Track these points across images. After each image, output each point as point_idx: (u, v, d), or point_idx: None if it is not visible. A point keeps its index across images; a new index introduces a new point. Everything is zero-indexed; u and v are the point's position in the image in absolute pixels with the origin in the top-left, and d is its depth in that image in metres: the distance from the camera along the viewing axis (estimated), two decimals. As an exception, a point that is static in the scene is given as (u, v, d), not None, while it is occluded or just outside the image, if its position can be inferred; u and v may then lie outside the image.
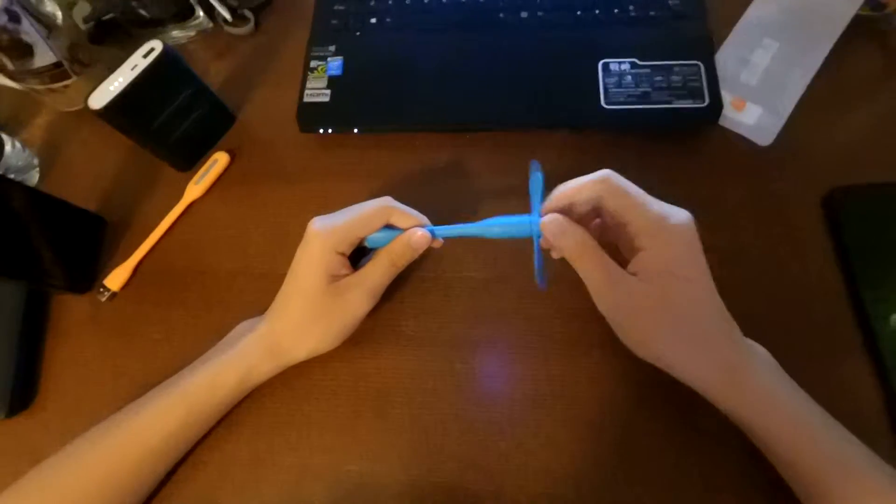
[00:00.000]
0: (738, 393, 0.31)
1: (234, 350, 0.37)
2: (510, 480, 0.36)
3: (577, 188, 0.32)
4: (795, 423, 0.30)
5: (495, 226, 0.34)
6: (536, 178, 0.33)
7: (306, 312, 0.36)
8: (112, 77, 0.39)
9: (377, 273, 0.36)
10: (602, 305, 0.32)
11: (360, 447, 0.38)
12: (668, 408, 0.36)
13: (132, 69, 0.39)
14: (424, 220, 0.36)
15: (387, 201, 0.36)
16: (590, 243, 0.32)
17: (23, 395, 0.41)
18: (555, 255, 0.34)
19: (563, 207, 0.32)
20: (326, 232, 0.35)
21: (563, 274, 0.40)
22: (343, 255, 0.36)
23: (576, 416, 0.37)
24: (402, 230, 0.36)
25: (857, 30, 0.44)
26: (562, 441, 0.37)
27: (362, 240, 0.37)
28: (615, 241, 0.35)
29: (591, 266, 0.32)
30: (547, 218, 0.32)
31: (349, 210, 0.36)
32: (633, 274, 0.31)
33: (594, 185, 0.31)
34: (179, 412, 0.36)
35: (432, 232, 0.36)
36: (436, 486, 0.36)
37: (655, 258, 0.30)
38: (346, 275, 0.36)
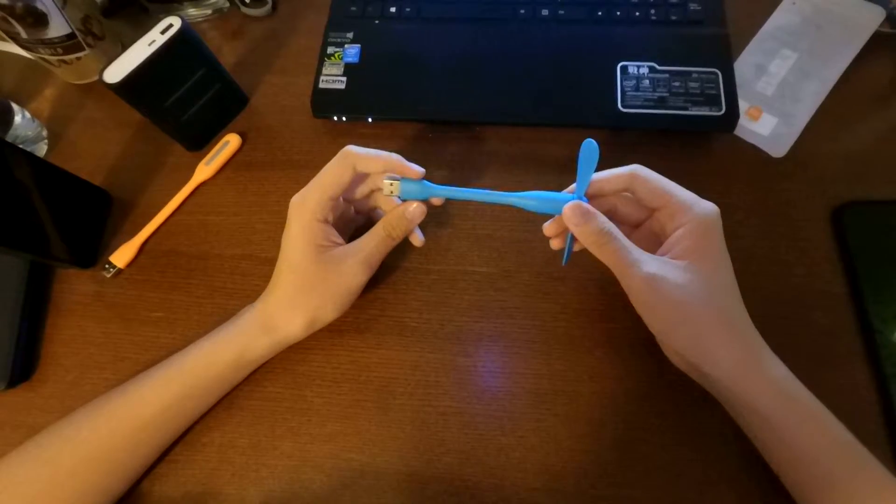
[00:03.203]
0: (757, 379, 0.31)
1: (231, 327, 0.37)
2: (510, 475, 0.36)
3: (607, 179, 0.33)
4: (809, 414, 0.31)
5: (532, 199, 0.33)
6: (588, 158, 0.33)
7: (297, 284, 0.36)
8: (128, 52, 0.39)
9: (372, 243, 0.36)
10: (632, 285, 0.32)
11: (360, 437, 0.38)
12: (668, 406, 0.37)
13: (149, 45, 0.39)
14: (393, 157, 0.35)
15: (346, 150, 0.35)
16: (613, 228, 0.32)
17: (23, 368, 0.41)
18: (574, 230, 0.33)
19: (591, 195, 0.34)
20: (301, 202, 0.36)
21: (567, 272, 0.41)
22: (325, 222, 0.36)
23: (576, 413, 0.37)
24: (431, 183, 0.35)
25: (877, 46, 0.45)
26: (562, 437, 0.37)
27: (351, 201, 0.36)
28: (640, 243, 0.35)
29: (616, 247, 0.32)
30: (567, 206, 0.32)
31: (317, 175, 0.36)
32: (666, 253, 0.32)
33: (623, 176, 0.33)
34: (175, 386, 0.36)
35: (457, 193, 0.35)
36: (435, 478, 0.36)
37: (688, 236, 0.32)
38: (337, 245, 0.36)
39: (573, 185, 0.34)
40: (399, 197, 0.35)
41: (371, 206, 0.41)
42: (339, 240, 0.37)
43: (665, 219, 0.33)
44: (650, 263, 0.31)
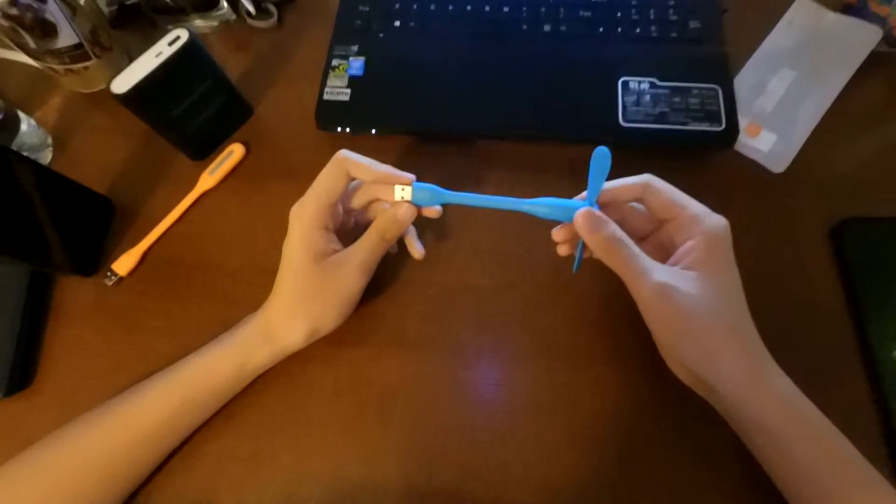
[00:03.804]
0: (763, 392, 0.31)
1: (231, 338, 0.37)
2: (510, 490, 0.36)
3: (620, 188, 0.34)
4: (815, 429, 0.31)
5: (544, 205, 0.34)
6: (600, 166, 0.33)
7: (298, 291, 0.36)
8: (136, 63, 0.39)
9: (367, 247, 0.36)
10: (643, 294, 0.32)
11: (360, 450, 0.38)
12: (670, 420, 0.37)
13: (156, 56, 0.39)
14: (384, 168, 0.35)
15: (339, 154, 0.36)
16: (624, 236, 0.32)
17: (21, 376, 0.41)
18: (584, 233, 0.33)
19: (604, 203, 0.34)
20: (301, 210, 0.36)
21: (570, 285, 0.41)
22: (325, 229, 0.36)
23: (578, 428, 0.37)
24: (443, 189, 0.35)
25: (874, 65, 0.45)
26: (563, 452, 0.37)
27: (351, 211, 0.37)
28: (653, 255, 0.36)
29: (627, 255, 0.32)
30: (578, 213, 0.32)
31: (314, 182, 0.36)
32: (676, 264, 0.32)
33: (637, 185, 0.34)
34: (175, 398, 0.36)
35: (468, 199, 0.35)
36: (435, 493, 0.36)
37: (699, 247, 0.32)
38: (336, 252, 0.37)
39: (584, 193, 0.34)
40: (411, 203, 0.35)
41: (371, 217, 0.41)
42: (339, 247, 0.37)
43: (675, 230, 0.34)
44: (661, 272, 0.31)
